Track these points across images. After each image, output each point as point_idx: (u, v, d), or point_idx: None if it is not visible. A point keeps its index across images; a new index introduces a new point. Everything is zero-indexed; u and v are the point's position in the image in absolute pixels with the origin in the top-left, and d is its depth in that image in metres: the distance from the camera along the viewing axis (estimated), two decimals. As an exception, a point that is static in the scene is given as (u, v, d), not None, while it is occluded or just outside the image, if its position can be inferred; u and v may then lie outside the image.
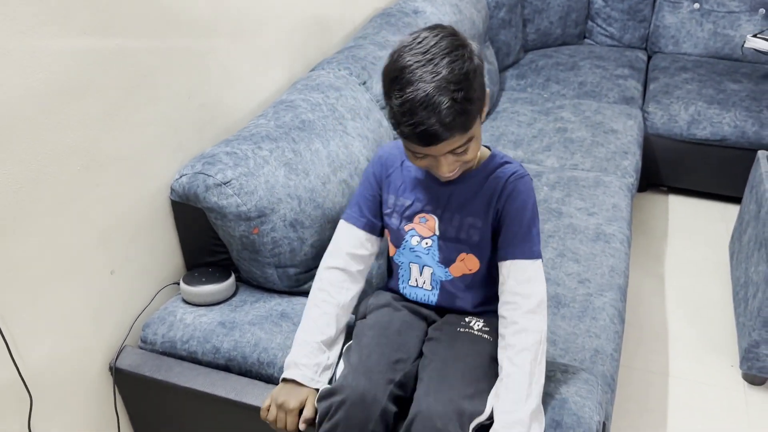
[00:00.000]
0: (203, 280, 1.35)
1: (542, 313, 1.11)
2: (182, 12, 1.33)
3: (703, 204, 2.68)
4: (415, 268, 1.23)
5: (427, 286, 1.23)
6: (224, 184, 1.29)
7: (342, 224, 1.25)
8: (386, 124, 1.72)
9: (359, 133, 1.59)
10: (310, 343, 1.16)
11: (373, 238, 1.25)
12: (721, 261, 2.35)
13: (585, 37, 3.13)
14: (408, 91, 0.98)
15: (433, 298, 1.24)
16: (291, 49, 1.76)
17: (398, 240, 1.23)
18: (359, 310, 1.27)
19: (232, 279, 1.38)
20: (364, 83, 1.75)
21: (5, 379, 1.08)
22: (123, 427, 1.36)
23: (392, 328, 1.18)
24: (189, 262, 1.45)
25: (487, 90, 1.07)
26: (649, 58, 3.04)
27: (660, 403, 1.83)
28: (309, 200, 1.38)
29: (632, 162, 2.20)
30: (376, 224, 1.24)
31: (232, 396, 1.20)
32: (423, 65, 0.98)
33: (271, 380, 1.23)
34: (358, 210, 1.24)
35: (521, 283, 1.12)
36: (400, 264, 1.25)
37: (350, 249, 1.22)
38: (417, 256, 1.21)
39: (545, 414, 1.10)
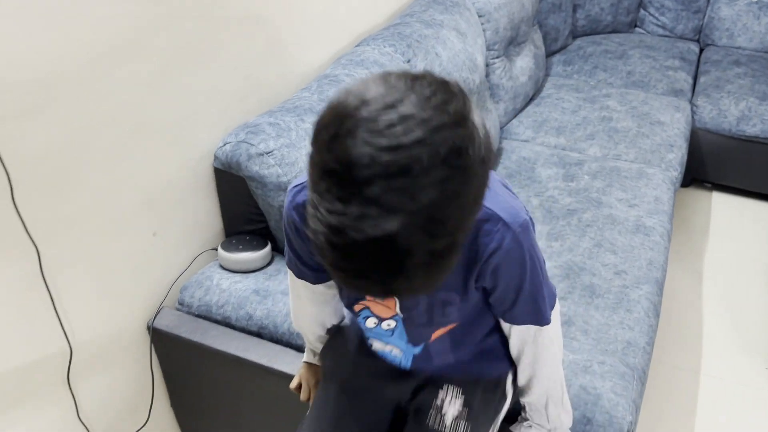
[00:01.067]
0: (240, 247, 1.38)
1: (559, 365, 0.98)
2: (233, -19, 1.34)
3: (748, 203, 2.61)
4: (377, 342, 1.01)
5: (397, 353, 1.00)
6: (266, 153, 1.30)
7: (291, 275, 1.00)
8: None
9: (401, 111, 1.59)
10: (319, 334, 1.09)
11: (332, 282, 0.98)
12: (762, 261, 2.29)
13: (636, 26, 3.05)
14: (336, 210, 0.57)
15: (406, 363, 1.01)
16: (337, 24, 1.76)
17: (350, 313, 1.00)
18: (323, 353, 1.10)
19: (268, 248, 1.40)
20: (409, 61, 1.74)
21: (48, 330, 1.12)
22: (157, 385, 1.40)
23: (354, 402, 1.02)
24: (228, 229, 1.47)
25: (489, 157, 0.63)
26: (701, 50, 2.95)
27: (689, 400, 1.80)
28: (348, 175, 1.39)
29: (677, 155, 2.15)
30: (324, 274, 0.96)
31: (264, 362, 1.22)
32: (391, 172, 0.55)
33: (301, 350, 1.25)
34: (296, 263, 0.95)
35: (533, 348, 0.94)
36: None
37: (312, 299, 1.02)
38: (378, 334, 0.98)
39: (576, 409, 1.09)
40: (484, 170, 0.61)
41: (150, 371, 1.36)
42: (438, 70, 1.76)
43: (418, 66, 1.73)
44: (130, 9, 1.11)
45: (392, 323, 0.93)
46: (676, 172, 2.09)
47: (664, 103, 2.43)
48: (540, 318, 0.90)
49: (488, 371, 1.01)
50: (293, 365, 1.19)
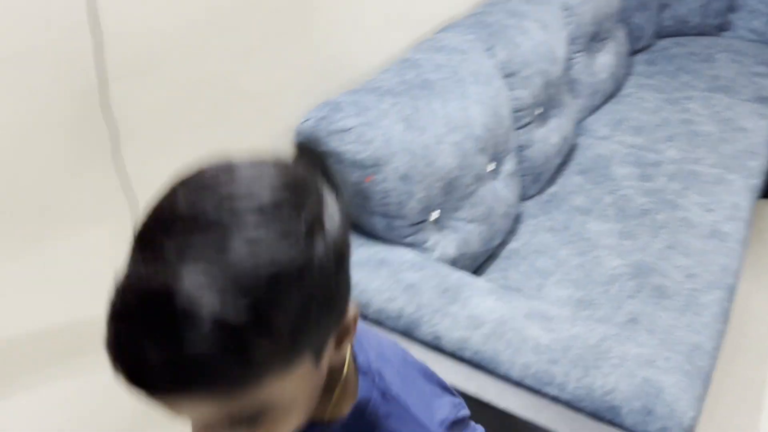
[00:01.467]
0: (314, 220, 1.42)
1: None
2: (325, -39, 1.38)
3: (833, 219, 2.50)
4: None
5: None
6: (345, 131, 1.34)
7: None
8: (506, 93, 1.72)
9: (478, 99, 1.60)
10: None
11: None
12: None
13: (724, 30, 2.94)
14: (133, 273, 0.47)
15: None
16: (419, 10, 1.78)
17: None
18: None
19: (340, 223, 1.44)
20: (490, 49, 1.74)
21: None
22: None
23: None
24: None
25: (350, 311, 0.57)
26: (795, 57, 2.83)
27: (752, 410, 1.75)
28: (422, 156, 1.42)
29: (760, 163, 2.08)
30: None
31: None
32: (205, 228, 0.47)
33: (366, 319, 1.29)
34: None
35: None
36: None
37: None
38: None
39: (638, 400, 1.08)
40: (334, 252, 0.51)
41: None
42: (518, 60, 1.76)
43: (499, 55, 1.73)
44: (229, -17, 1.17)
45: None
46: (758, 181, 2.02)
47: (748, 109, 2.35)
48: None
49: None
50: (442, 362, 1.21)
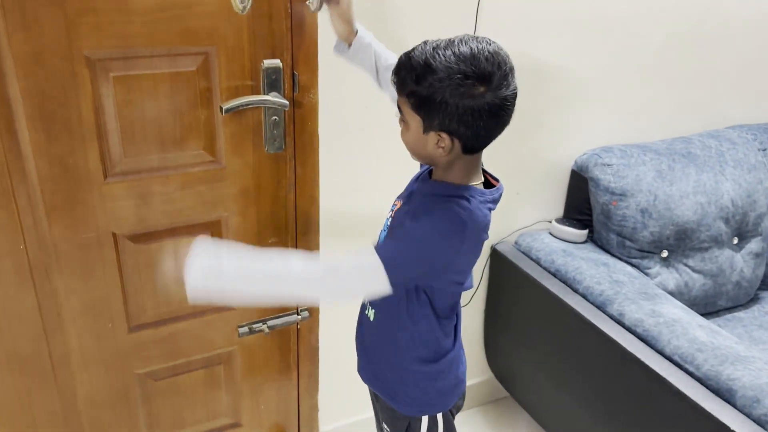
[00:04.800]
0: (567, 224, 1.97)
1: (323, 277, 1.02)
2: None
3: None
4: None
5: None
6: (607, 165, 1.88)
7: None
8: (766, 184, 2.02)
9: (734, 179, 1.96)
10: None
11: None
12: None
13: None
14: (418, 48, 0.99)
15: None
16: (721, 109, 2.19)
17: None
18: None
19: (585, 232, 1.96)
20: (764, 150, 2.07)
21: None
22: (479, 292, 2.07)
23: None
24: (565, 213, 2.08)
25: (460, 157, 1.05)
26: None
27: None
28: (663, 201, 1.86)
29: None
30: None
31: (566, 299, 1.74)
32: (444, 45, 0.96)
33: (576, 292, 1.77)
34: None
35: (350, 252, 1.02)
36: None
37: None
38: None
39: (754, 390, 1.37)
40: (494, 103, 0.97)
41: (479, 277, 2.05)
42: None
43: (771, 154, 2.05)
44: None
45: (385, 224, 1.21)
46: None
47: None
48: (379, 247, 1.02)
49: (403, 407, 1.23)
50: (612, 328, 1.62)
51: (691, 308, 1.86)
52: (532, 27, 1.73)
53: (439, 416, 1.25)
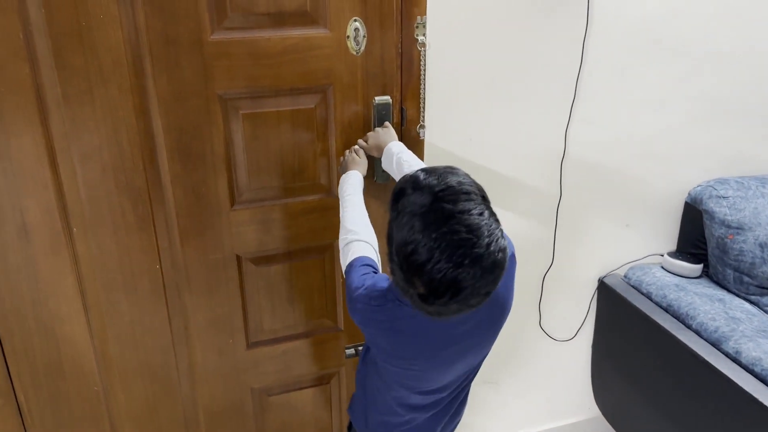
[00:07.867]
0: (680, 257, 1.91)
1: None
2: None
3: None
4: None
5: None
6: (723, 197, 1.81)
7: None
8: None
9: None
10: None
11: None
12: None
13: None
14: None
15: None
16: None
17: None
18: None
19: (699, 266, 1.89)
20: None
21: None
22: (588, 320, 2.04)
23: None
24: (678, 246, 2.01)
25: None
26: None
27: None
28: (785, 236, 1.77)
29: None
30: None
31: (678, 335, 1.69)
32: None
33: (689, 328, 1.71)
34: None
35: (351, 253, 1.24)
36: None
37: None
38: None
39: None
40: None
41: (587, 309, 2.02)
42: None
43: None
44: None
45: None
46: None
47: None
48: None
49: None
50: (728, 366, 1.57)
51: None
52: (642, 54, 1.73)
53: None
